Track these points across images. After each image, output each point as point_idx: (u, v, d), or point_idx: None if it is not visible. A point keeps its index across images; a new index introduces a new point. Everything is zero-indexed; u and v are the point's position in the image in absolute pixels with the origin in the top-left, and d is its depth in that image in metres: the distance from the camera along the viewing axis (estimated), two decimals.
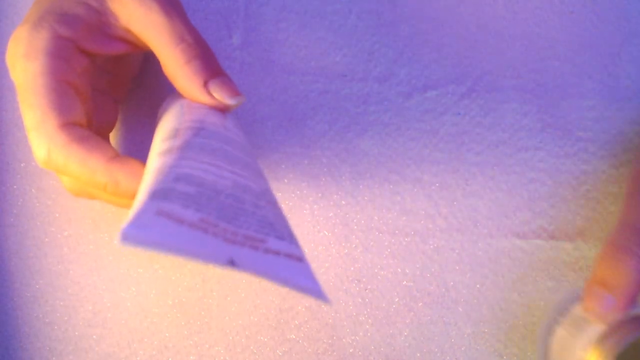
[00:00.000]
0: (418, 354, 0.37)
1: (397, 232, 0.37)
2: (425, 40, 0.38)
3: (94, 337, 0.37)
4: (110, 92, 0.33)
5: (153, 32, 0.29)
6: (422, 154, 0.38)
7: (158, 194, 0.20)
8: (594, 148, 0.38)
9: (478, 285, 0.37)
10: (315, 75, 0.37)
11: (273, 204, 0.23)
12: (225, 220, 0.20)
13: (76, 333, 0.37)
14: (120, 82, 0.34)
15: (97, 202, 0.37)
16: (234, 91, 0.29)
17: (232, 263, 0.18)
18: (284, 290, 0.37)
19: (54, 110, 0.27)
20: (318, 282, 0.19)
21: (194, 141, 0.24)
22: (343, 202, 0.37)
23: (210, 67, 0.29)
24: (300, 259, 0.20)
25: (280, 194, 0.37)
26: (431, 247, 0.37)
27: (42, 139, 0.27)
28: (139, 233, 0.17)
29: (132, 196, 0.27)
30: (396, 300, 0.37)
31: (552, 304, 0.37)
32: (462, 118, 0.38)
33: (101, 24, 0.29)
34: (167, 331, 0.37)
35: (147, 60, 0.37)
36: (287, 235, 0.21)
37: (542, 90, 0.38)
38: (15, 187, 0.37)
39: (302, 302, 0.37)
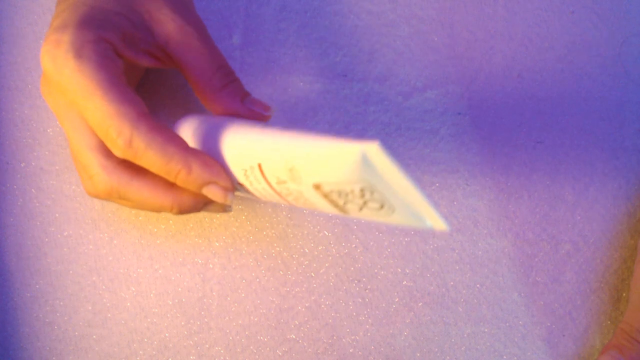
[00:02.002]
0: (418, 354, 0.37)
1: (397, 232, 0.37)
2: (425, 41, 0.38)
3: (94, 337, 0.37)
4: None
5: (191, 57, 0.31)
6: (422, 154, 0.38)
7: None
8: (594, 148, 0.38)
9: (478, 285, 0.37)
10: (316, 76, 0.37)
11: None
12: None
13: (76, 333, 0.37)
14: None
15: (97, 203, 0.37)
16: (266, 105, 0.32)
17: None
18: (283, 290, 0.37)
19: (129, 101, 0.28)
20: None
21: None
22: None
23: (241, 88, 0.32)
24: None
25: None
26: (431, 247, 0.37)
27: (125, 127, 0.27)
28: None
29: (198, 185, 0.29)
30: (396, 300, 0.37)
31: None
32: (462, 118, 0.38)
33: (135, 37, 0.30)
34: (167, 331, 0.37)
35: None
36: None
37: (542, 90, 0.38)
38: (15, 187, 0.37)
39: (302, 302, 0.37)
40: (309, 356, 0.36)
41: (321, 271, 0.37)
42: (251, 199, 0.37)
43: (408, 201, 0.24)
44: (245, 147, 0.28)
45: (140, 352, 0.36)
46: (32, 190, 0.37)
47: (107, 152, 0.29)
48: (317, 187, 0.25)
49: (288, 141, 0.25)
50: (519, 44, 0.38)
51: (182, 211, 0.30)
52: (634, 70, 0.38)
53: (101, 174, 0.29)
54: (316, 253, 0.37)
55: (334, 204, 0.25)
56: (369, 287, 0.37)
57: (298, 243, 0.37)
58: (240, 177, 0.29)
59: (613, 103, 0.38)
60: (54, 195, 0.37)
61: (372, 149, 0.22)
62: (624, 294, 0.37)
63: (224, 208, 0.31)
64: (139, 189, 0.29)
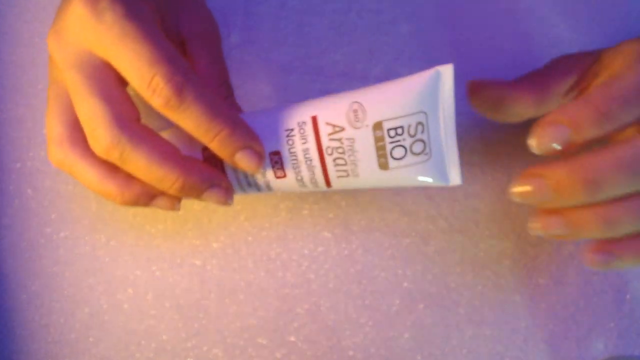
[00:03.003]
0: (419, 357, 0.37)
1: (397, 233, 0.37)
2: (425, 39, 0.38)
3: (91, 339, 0.36)
4: None
5: (206, 62, 0.32)
6: None
7: None
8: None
9: (479, 287, 0.37)
10: (315, 74, 0.37)
11: None
12: None
13: (72, 336, 0.36)
14: None
15: (93, 203, 0.37)
16: None
17: None
18: (283, 292, 0.37)
19: (179, 56, 0.27)
20: None
21: None
22: (343, 203, 0.37)
23: (236, 103, 0.33)
24: None
25: (280, 194, 0.37)
26: (432, 248, 0.37)
27: (178, 74, 0.26)
28: None
29: (235, 148, 0.28)
30: (397, 302, 0.37)
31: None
32: (463, 118, 0.38)
33: (165, 19, 0.30)
34: (165, 334, 0.36)
35: None
36: None
37: None
38: (11, 187, 0.37)
39: (302, 304, 0.36)
40: (308, 359, 0.36)
41: (321, 273, 0.37)
42: (256, 196, 0.37)
43: (444, 135, 0.28)
44: (297, 105, 0.29)
45: (138, 354, 0.36)
46: (28, 190, 0.37)
47: (122, 107, 0.28)
48: (377, 126, 0.28)
49: (356, 89, 0.29)
50: (520, 43, 0.38)
51: (185, 187, 0.28)
52: None
53: (110, 127, 0.27)
54: (316, 254, 0.37)
55: (381, 152, 0.28)
56: (369, 289, 0.37)
57: (297, 244, 0.37)
58: (278, 142, 0.29)
59: None
60: (50, 196, 0.37)
61: (447, 68, 0.27)
62: (628, 296, 0.37)
63: (225, 201, 0.30)
64: (148, 152, 0.27)
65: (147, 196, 0.30)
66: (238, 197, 0.37)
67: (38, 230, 0.37)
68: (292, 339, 0.36)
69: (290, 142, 0.29)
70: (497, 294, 0.37)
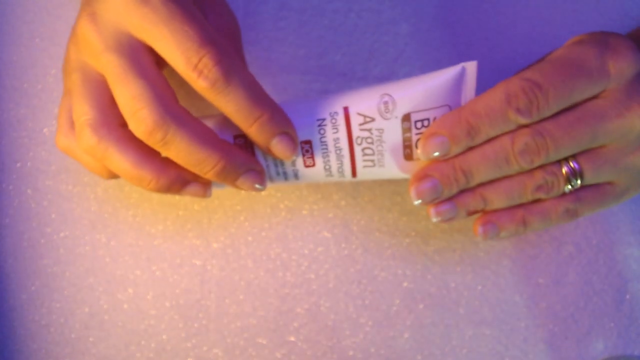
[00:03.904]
0: (419, 357, 0.36)
1: (397, 233, 0.37)
2: (425, 39, 0.38)
3: (91, 339, 0.36)
4: None
5: None
6: None
7: None
8: None
9: (479, 287, 0.37)
10: (315, 75, 0.37)
11: None
12: None
13: (73, 335, 0.36)
14: None
15: (93, 203, 0.37)
16: None
17: None
18: (283, 292, 0.36)
19: (224, 40, 0.28)
20: None
21: None
22: (343, 203, 0.37)
23: None
24: None
25: (279, 194, 0.37)
26: (432, 248, 0.37)
27: (226, 58, 0.27)
28: None
29: (273, 134, 0.28)
30: (397, 302, 0.37)
31: None
32: None
33: None
34: (165, 333, 0.36)
35: None
36: None
37: None
38: (10, 187, 0.37)
39: (302, 304, 0.36)
40: (308, 359, 0.36)
41: (321, 273, 0.37)
42: (256, 196, 0.37)
43: None
44: (327, 96, 0.30)
45: (138, 354, 0.36)
46: (28, 190, 0.37)
47: (164, 88, 0.28)
48: (405, 118, 0.29)
49: (386, 83, 0.30)
50: (521, 43, 0.38)
51: (224, 171, 0.28)
52: None
53: (155, 107, 0.27)
54: (316, 254, 0.37)
55: (407, 143, 0.30)
56: (369, 288, 0.37)
57: (297, 244, 0.37)
58: (310, 131, 0.30)
59: None
60: (50, 196, 0.37)
61: (472, 65, 0.29)
62: (627, 296, 0.37)
63: (258, 186, 0.30)
64: (191, 133, 0.27)
65: (181, 182, 0.29)
66: (238, 197, 0.37)
67: (38, 230, 0.37)
68: (292, 338, 0.36)
69: (321, 131, 0.30)
70: (496, 293, 0.37)
